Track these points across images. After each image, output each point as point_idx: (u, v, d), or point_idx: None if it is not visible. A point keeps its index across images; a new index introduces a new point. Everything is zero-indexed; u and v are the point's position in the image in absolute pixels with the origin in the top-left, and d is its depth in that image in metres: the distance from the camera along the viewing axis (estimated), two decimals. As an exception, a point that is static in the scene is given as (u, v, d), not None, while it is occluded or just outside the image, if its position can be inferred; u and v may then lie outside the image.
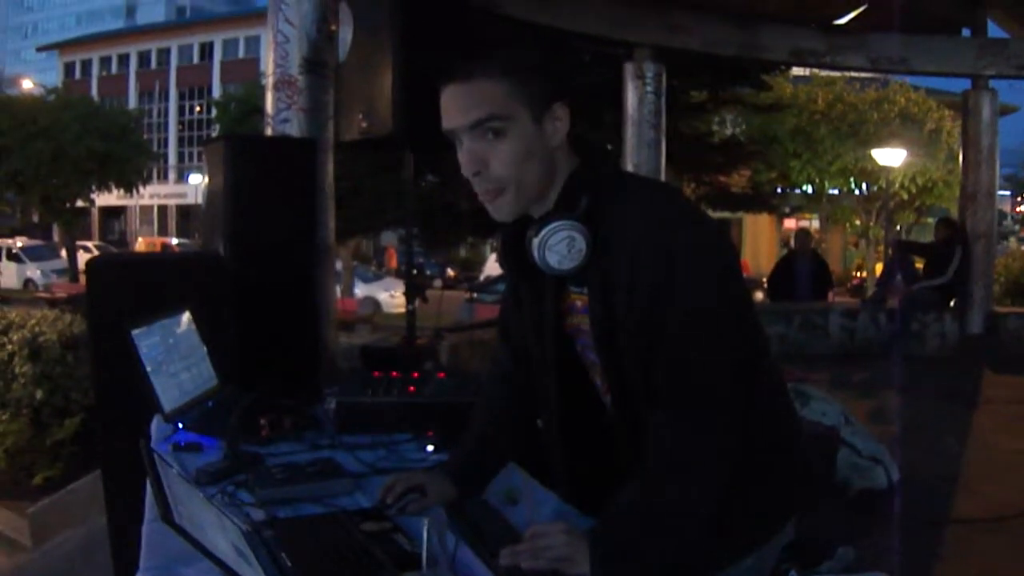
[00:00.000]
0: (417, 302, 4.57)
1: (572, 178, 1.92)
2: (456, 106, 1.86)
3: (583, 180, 1.91)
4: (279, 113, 5.55)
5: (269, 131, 5.62)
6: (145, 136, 38.46)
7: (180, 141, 56.26)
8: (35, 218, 36.04)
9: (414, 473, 2.27)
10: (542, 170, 1.89)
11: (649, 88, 10.58)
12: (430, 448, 2.72)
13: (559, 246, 1.83)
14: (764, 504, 2.03)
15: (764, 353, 2.04)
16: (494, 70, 1.85)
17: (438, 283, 30.45)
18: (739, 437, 1.84)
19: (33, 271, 34.26)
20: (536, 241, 1.85)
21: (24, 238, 38.00)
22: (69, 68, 60.67)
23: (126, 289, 3.88)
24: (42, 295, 25.72)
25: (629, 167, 10.01)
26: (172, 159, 55.76)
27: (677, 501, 1.82)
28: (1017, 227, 45.49)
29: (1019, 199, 49.08)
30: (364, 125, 4.34)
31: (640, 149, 10.72)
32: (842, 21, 11.92)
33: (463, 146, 1.88)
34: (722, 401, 1.83)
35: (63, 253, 34.86)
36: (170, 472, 1.91)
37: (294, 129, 5.49)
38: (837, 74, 25.56)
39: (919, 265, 12.32)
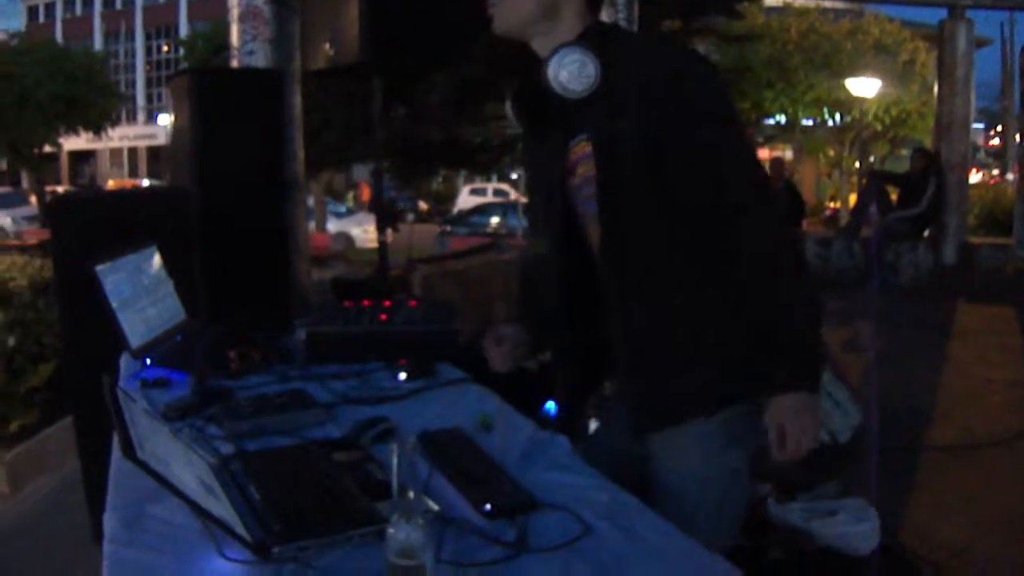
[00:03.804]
0: (389, 233, 4.50)
1: (592, 26, 2.10)
2: None
3: (596, 28, 2.10)
4: (245, 45, 5.44)
5: (235, 63, 5.52)
6: (112, 78, 37.93)
7: (148, 82, 55.51)
8: (2, 165, 35.60)
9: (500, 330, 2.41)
10: (540, 5, 2.08)
11: (621, 15, 10.40)
12: (402, 376, 2.68)
13: (572, 67, 1.97)
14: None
15: None
16: None
17: (411, 217, 30.32)
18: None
19: (3, 218, 33.78)
20: (552, 61, 1.99)
21: (-9, 186, 37.53)
22: (32, 12, 59.64)
23: (92, 226, 3.81)
24: (13, 243, 25.40)
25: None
26: (141, 100, 55.02)
27: (796, 288, 2.01)
28: (990, 160, 45.41)
29: (992, 132, 49.03)
30: (331, 53, 4.25)
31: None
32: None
33: None
34: (768, 196, 2.05)
35: (33, 199, 34.42)
36: (134, 407, 1.85)
37: (260, 61, 5.39)
38: (811, 4, 25.37)
39: (893, 196, 12.32)
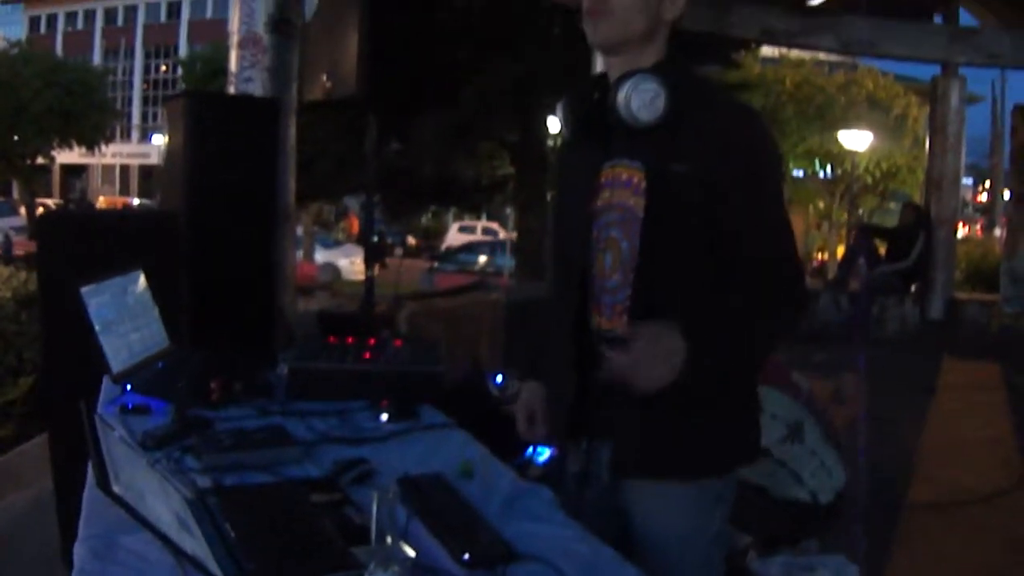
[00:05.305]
0: (377, 268, 4.49)
1: (667, 58, 2.09)
2: None
3: (676, 63, 2.09)
4: (243, 71, 5.45)
5: (232, 89, 5.53)
6: (109, 94, 38.00)
7: (145, 100, 55.62)
8: (-6, 175, 35.56)
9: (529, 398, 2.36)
10: (645, 27, 2.06)
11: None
12: (384, 417, 2.65)
13: (645, 95, 1.96)
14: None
15: None
16: None
17: (399, 251, 30.38)
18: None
19: (-9, 228, 33.71)
20: (627, 85, 1.97)
21: (-18, 195, 37.49)
22: (34, 22, 59.72)
23: (78, 246, 3.79)
24: (-1, 254, 25.28)
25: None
26: (136, 118, 55.11)
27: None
28: (977, 215, 45.85)
29: (980, 188, 49.54)
30: (328, 86, 4.26)
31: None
32: (815, 2, 11.91)
33: None
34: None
35: (22, 211, 34.36)
36: (111, 436, 1.83)
37: (258, 88, 5.39)
38: (806, 56, 25.55)
39: (882, 250, 12.36)
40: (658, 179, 1.99)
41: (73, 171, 53.51)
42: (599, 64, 2.20)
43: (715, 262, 2.00)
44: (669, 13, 2.09)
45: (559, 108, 2.20)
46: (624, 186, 2.05)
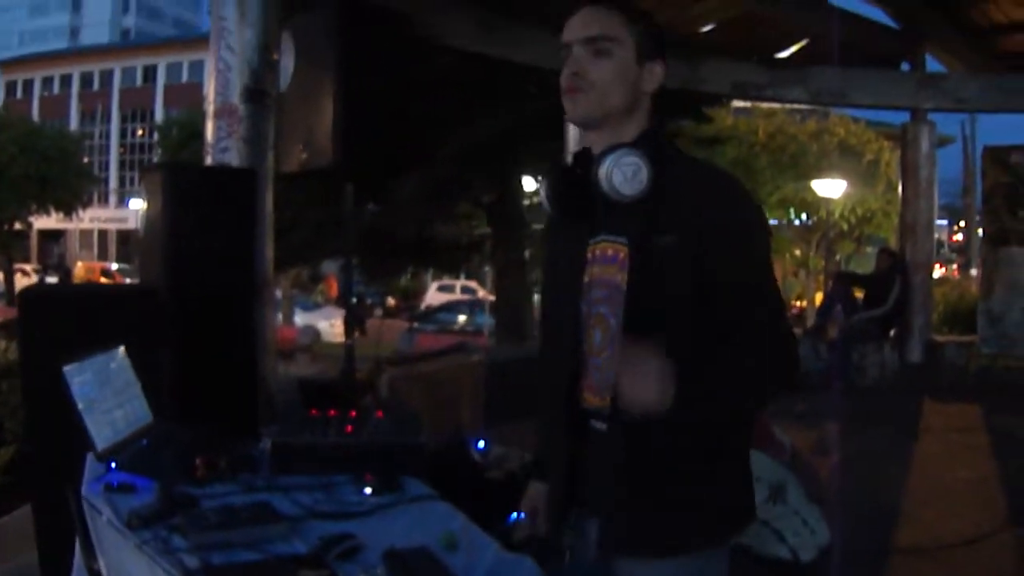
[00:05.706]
0: (356, 334, 4.50)
1: (647, 131, 2.11)
2: (580, 23, 2.09)
3: (656, 135, 2.10)
4: (219, 142, 5.46)
5: (209, 160, 5.53)
6: (86, 159, 38.06)
7: (122, 165, 55.73)
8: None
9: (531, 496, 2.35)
10: (624, 101, 2.09)
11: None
12: (368, 490, 2.67)
13: (627, 169, 1.97)
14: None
15: None
16: (618, 6, 2.10)
17: (378, 312, 30.39)
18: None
19: (-31, 295, 33.58)
20: (608, 160, 1.99)
21: (-41, 261, 37.36)
22: (11, 87, 59.93)
23: (60, 323, 3.81)
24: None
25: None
26: (113, 183, 55.19)
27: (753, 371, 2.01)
28: (953, 255, 46.18)
29: (955, 228, 49.93)
30: (304, 156, 4.30)
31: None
32: (784, 55, 12.07)
33: (571, 55, 2.09)
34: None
35: (0, 276, 34.27)
36: (99, 520, 1.85)
37: (234, 158, 5.40)
38: (778, 106, 25.76)
39: (859, 295, 12.44)
40: (642, 253, 2.00)
41: (51, 236, 53.43)
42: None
43: (702, 331, 1.99)
44: (648, 85, 2.11)
45: (542, 186, 2.20)
46: (610, 262, 2.07)
